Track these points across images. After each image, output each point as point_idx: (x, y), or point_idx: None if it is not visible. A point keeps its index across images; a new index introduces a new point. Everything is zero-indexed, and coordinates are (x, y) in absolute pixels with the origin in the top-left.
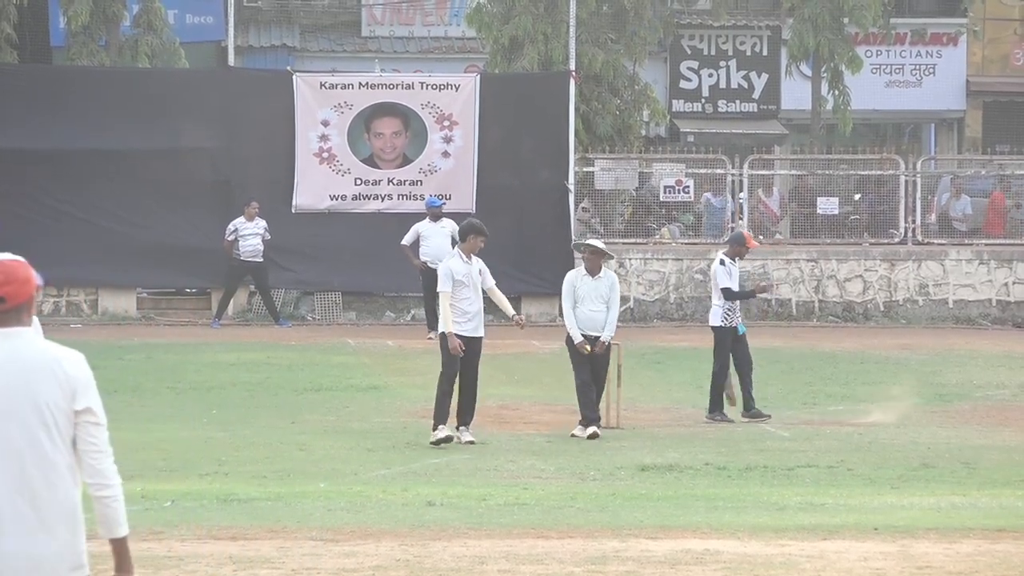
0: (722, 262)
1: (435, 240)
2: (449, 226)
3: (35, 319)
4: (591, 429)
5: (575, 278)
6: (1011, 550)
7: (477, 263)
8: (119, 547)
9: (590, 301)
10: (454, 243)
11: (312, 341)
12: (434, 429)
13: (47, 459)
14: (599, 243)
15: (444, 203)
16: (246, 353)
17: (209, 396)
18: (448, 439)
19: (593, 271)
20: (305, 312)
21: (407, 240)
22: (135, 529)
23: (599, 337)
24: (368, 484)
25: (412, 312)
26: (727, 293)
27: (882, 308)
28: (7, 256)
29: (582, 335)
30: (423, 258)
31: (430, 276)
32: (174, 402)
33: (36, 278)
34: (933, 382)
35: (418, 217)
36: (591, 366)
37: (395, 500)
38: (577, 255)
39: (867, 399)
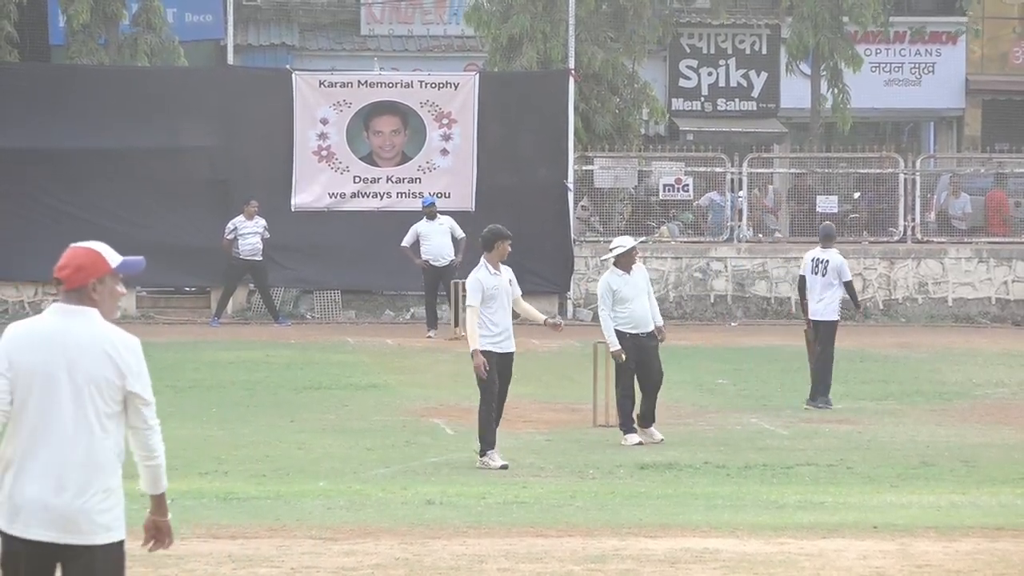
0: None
1: (434, 238)
2: (447, 223)
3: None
4: (632, 438)
5: (613, 281)
6: (1010, 548)
7: (507, 272)
8: (159, 499)
9: (636, 299)
10: (454, 240)
11: (311, 340)
12: (482, 454)
13: (86, 427)
14: (630, 240)
15: (435, 200)
16: (245, 352)
17: (208, 395)
18: (506, 467)
19: (628, 268)
20: (304, 311)
21: (407, 241)
22: (134, 528)
23: (650, 332)
24: (367, 483)
25: (412, 311)
26: (851, 286)
27: (881, 306)
28: (82, 244)
29: (634, 334)
30: (424, 257)
31: (432, 275)
32: (173, 400)
33: (111, 262)
34: (932, 380)
35: (417, 216)
36: (646, 362)
37: (394, 499)
38: (578, 254)
39: (866, 397)
